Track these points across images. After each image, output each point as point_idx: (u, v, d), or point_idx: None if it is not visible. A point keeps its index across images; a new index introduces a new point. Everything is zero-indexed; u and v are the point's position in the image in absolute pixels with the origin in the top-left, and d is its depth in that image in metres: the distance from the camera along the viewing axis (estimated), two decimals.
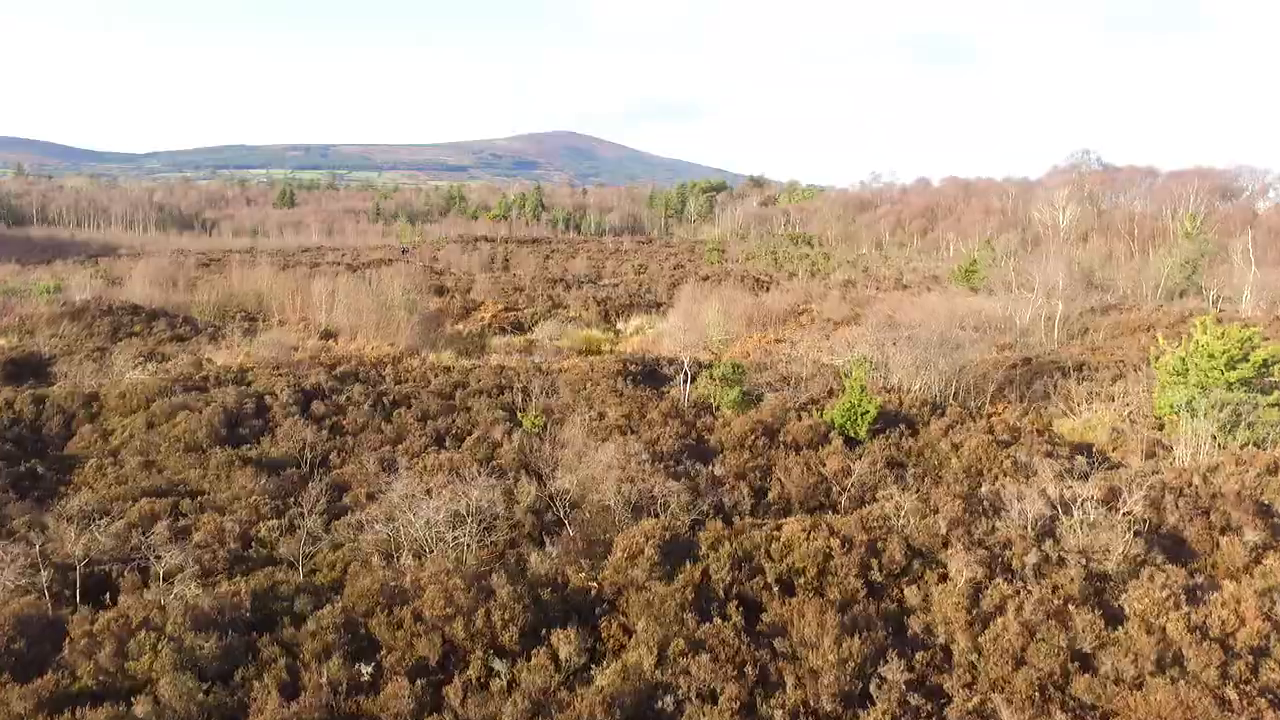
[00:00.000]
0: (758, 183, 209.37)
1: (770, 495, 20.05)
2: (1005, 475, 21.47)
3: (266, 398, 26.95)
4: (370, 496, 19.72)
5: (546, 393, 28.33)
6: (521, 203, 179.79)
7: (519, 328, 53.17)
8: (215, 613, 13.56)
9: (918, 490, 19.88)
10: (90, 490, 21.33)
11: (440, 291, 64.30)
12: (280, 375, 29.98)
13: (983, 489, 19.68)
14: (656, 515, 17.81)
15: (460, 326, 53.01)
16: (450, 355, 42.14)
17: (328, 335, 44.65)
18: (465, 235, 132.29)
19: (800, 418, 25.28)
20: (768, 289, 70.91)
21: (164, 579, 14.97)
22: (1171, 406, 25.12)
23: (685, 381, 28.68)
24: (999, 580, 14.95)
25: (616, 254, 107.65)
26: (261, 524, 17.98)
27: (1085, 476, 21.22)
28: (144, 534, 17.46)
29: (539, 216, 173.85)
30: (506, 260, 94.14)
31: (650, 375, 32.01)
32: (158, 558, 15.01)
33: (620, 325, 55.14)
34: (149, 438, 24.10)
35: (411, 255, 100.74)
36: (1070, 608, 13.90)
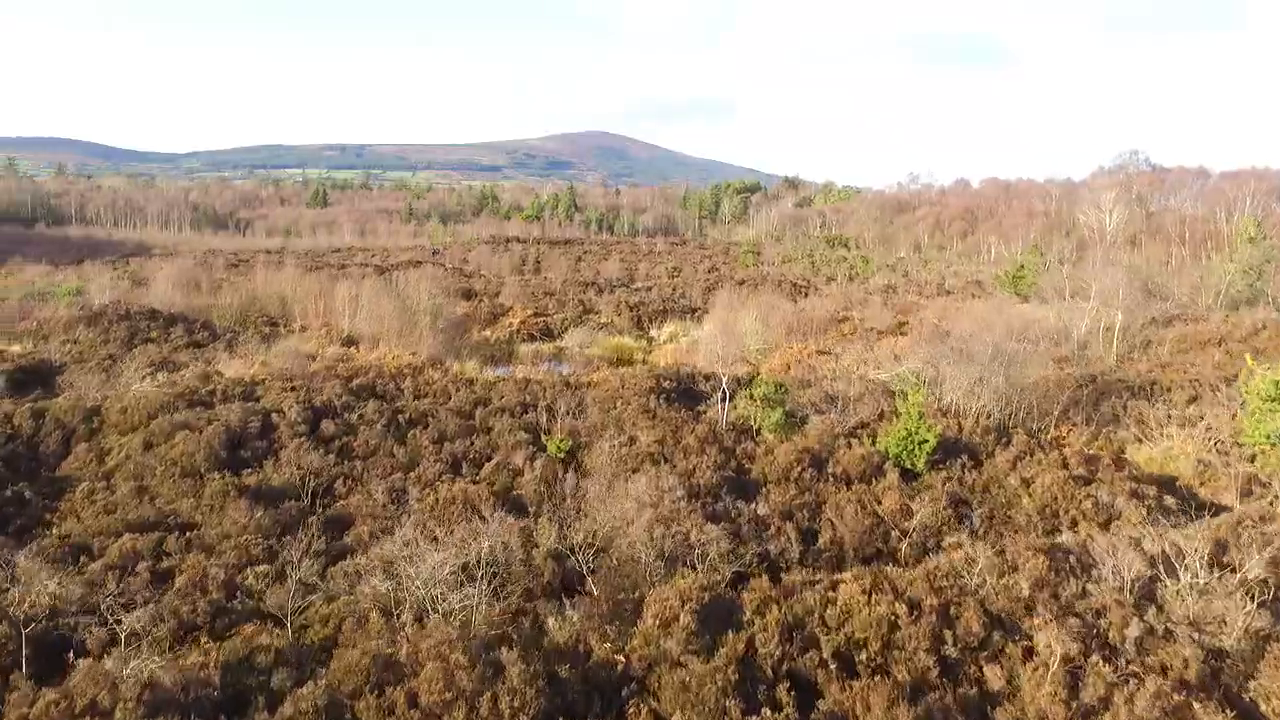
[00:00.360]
0: (792, 184, 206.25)
1: (821, 540, 17.80)
2: (1085, 518, 19.04)
3: (273, 416, 25.12)
4: (374, 535, 17.75)
5: (573, 412, 26.27)
6: (555, 203, 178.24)
7: (548, 334, 51.21)
8: (178, 690, 11.62)
9: (989, 537, 17.56)
10: (76, 520, 19.61)
11: (468, 295, 62.56)
12: (291, 390, 28.18)
13: (1063, 536, 17.30)
14: (693, 567, 15.66)
15: (487, 333, 51.18)
16: (475, 365, 40.29)
17: (350, 342, 42.98)
18: (497, 236, 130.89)
19: (850, 445, 22.98)
20: (806, 294, 68.42)
21: (127, 642, 13.08)
22: (1268, 436, 22.51)
23: (723, 400, 26.48)
24: (1097, 659, 12.62)
25: (650, 256, 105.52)
26: (250, 570, 16.04)
27: (1175, 519, 18.76)
28: (121, 578, 15.70)
29: (572, 217, 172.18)
30: (538, 262, 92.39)
31: (685, 393, 29.79)
32: (118, 622, 13.10)
33: (653, 332, 53.00)
34: (145, 460, 22.33)
35: (442, 256, 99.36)
36: (1193, 702, 11.55)
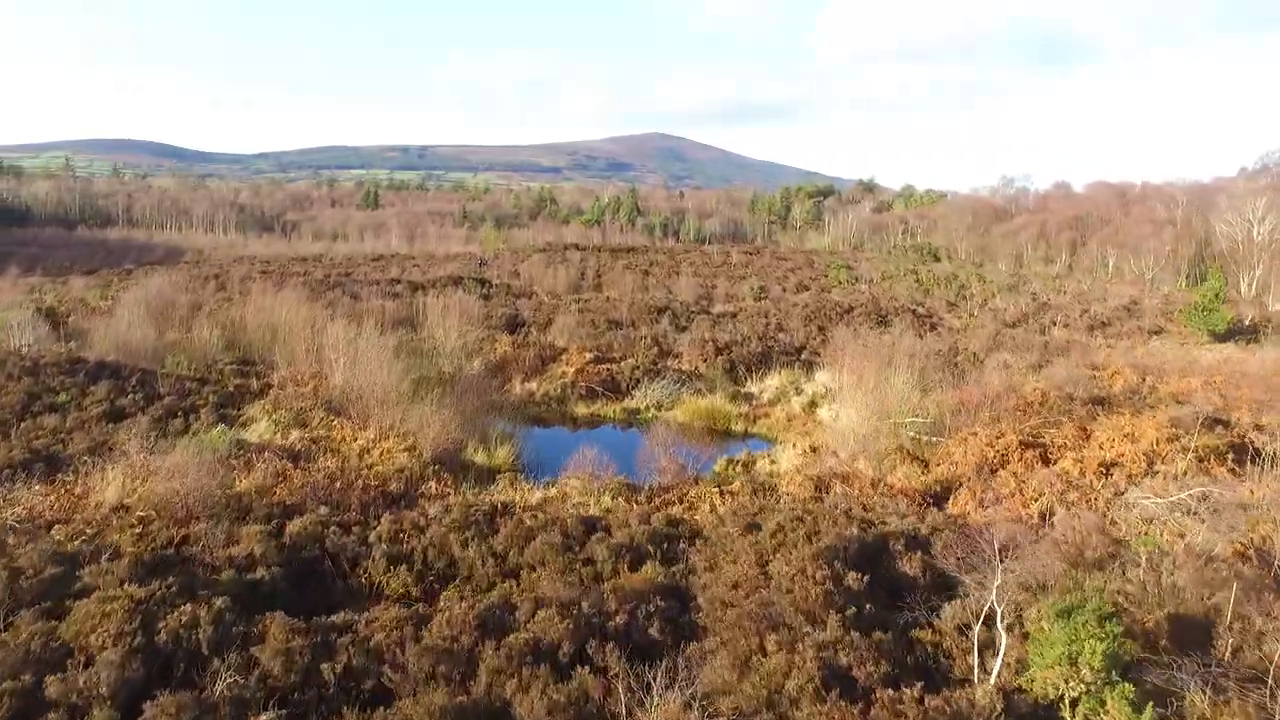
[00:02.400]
0: (868, 187, 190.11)
1: None
2: None
3: (48, 689, 11.71)
4: None
5: (676, 665, 12.45)
6: (616, 206, 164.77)
7: (614, 389, 37.48)
8: None
9: None
10: None
11: (513, 325, 49.21)
12: (144, 584, 14.87)
13: None
14: None
15: (533, 385, 37.66)
16: (505, 456, 26.80)
17: (336, 410, 29.78)
18: (554, 243, 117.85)
19: None
20: (932, 326, 53.77)
21: None
22: None
23: (984, 618, 12.52)
24: None
25: (725, 268, 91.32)
26: None
27: None
28: None
29: (634, 221, 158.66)
30: (599, 276, 78.79)
31: (883, 582, 15.65)
32: None
33: (752, 386, 39.00)
34: None
35: (490, 267, 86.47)
36: None
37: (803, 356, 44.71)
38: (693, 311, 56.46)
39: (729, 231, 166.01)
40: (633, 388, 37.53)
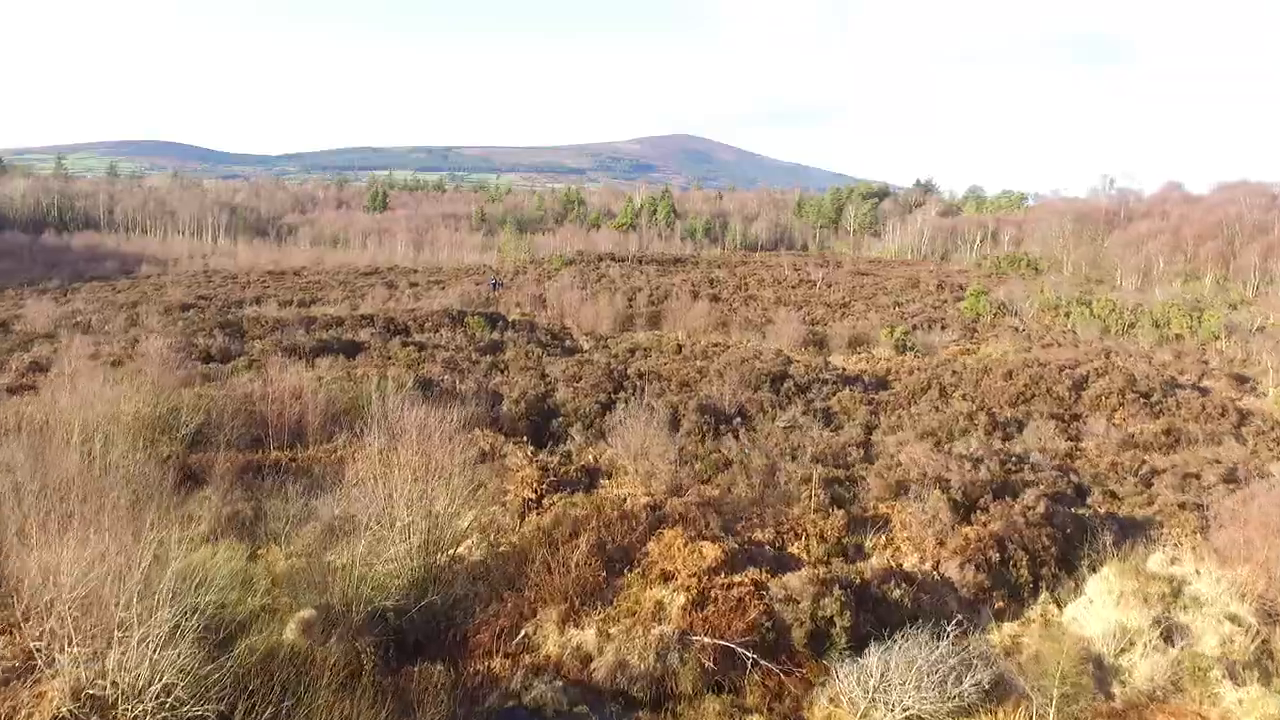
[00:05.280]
0: (926, 188, 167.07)
1: None
2: None
3: None
4: None
5: None
6: (652, 209, 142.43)
7: (779, 648, 15.35)
8: None
9: None
10: None
11: (540, 423, 27.21)
12: None
13: None
14: None
15: (588, 633, 15.60)
16: None
17: None
18: (585, 252, 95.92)
19: None
20: (1241, 417, 31.32)
21: None
22: None
23: None
24: None
25: (804, 288, 69.04)
26: None
27: None
28: None
29: (673, 225, 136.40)
30: (653, 303, 56.71)
31: None
32: None
33: (1075, 622, 16.89)
34: None
35: (509, 287, 64.62)
36: None
37: (1088, 500, 22.59)
38: (823, 379, 34.26)
39: (776, 236, 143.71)
40: (821, 644, 15.43)
